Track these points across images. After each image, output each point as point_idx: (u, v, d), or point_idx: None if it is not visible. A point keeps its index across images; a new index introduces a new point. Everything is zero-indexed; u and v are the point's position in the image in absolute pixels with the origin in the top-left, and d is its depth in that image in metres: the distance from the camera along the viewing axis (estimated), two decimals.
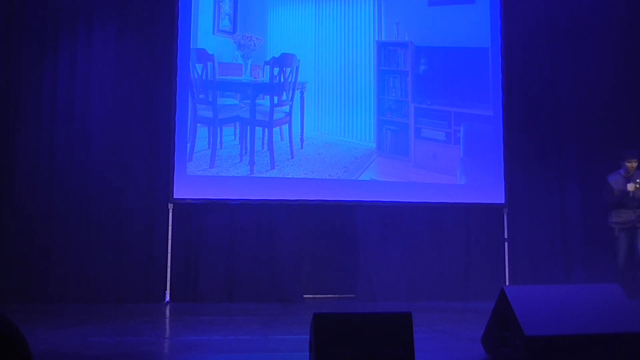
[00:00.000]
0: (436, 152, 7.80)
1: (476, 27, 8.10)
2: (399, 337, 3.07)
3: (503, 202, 7.88)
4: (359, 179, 7.60)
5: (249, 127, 7.48)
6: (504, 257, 7.87)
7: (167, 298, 7.11)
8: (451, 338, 4.68)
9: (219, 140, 7.40)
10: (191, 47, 7.44)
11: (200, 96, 7.43)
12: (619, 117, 8.15)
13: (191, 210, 7.32)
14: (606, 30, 8.36)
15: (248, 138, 7.46)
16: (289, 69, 7.62)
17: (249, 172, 7.40)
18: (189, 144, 7.31)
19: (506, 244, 7.90)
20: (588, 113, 8.17)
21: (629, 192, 6.90)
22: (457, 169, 7.82)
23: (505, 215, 7.92)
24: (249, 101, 7.52)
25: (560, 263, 7.97)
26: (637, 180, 6.88)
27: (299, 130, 7.57)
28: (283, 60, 7.62)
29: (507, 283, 7.70)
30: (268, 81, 7.58)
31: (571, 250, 8.02)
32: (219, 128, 7.42)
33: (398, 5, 7.95)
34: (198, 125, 7.38)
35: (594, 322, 3.39)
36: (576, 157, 8.09)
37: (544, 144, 8.12)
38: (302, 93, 7.63)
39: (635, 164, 7.03)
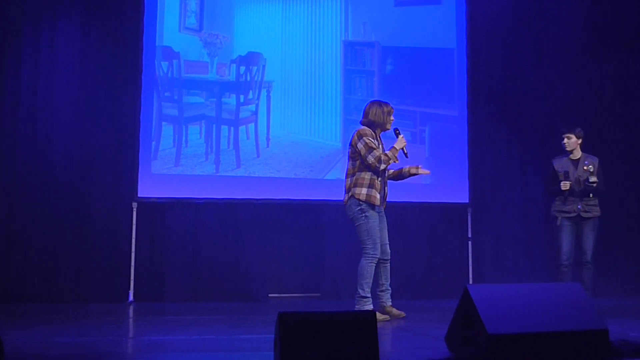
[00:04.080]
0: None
1: (442, 27, 8.17)
2: (364, 336, 3.08)
3: (467, 201, 7.96)
4: (325, 178, 7.61)
5: (214, 125, 7.45)
6: (468, 256, 7.96)
7: (131, 297, 7.06)
8: (415, 336, 4.70)
9: (184, 138, 7.35)
10: (157, 44, 7.38)
11: (166, 94, 7.38)
12: (581, 118, 8.27)
13: (156, 209, 7.27)
14: (570, 32, 8.48)
15: (214, 136, 7.43)
16: (255, 68, 7.61)
17: (214, 171, 7.37)
18: (153, 142, 7.26)
19: (470, 243, 7.98)
20: (551, 113, 8.29)
21: (564, 190, 6.38)
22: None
23: (469, 214, 8.00)
24: (214, 99, 7.49)
25: (523, 262, 8.07)
26: (568, 182, 6.38)
27: (265, 129, 7.56)
28: (249, 59, 7.60)
29: (470, 282, 7.79)
30: (234, 79, 7.55)
31: (534, 249, 8.12)
32: (184, 126, 7.37)
33: (365, 5, 7.98)
34: (163, 123, 7.33)
35: (555, 320, 3.44)
36: (539, 158, 8.18)
37: (507, 144, 8.23)
38: (268, 92, 7.62)
39: (570, 139, 6.49)
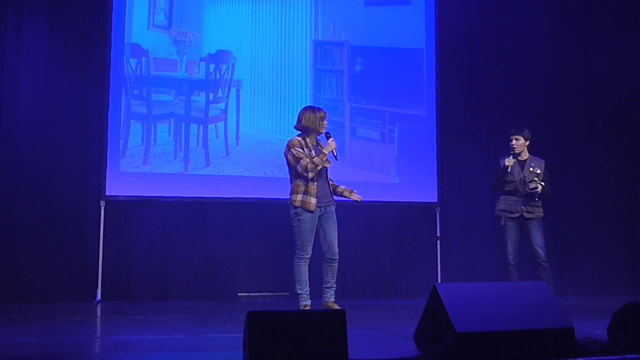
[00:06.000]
0: (371, 152, 7.88)
1: (411, 28, 8.22)
2: (333, 335, 3.09)
3: (436, 200, 8.01)
4: None
5: (183, 123, 7.41)
6: (437, 254, 8.01)
7: (98, 297, 6.99)
8: (384, 335, 4.73)
9: (152, 136, 7.30)
10: (125, 41, 7.32)
11: (134, 92, 7.32)
12: (548, 119, 8.38)
13: (124, 207, 7.21)
14: (536, 33, 8.59)
15: (183, 135, 7.39)
16: (224, 66, 7.58)
17: (183, 169, 7.33)
18: (122, 140, 7.20)
19: (438, 242, 8.04)
20: (519, 114, 8.37)
21: (507, 167, 6.27)
22: (391, 168, 7.92)
23: (437, 213, 8.06)
24: (184, 97, 7.45)
25: (491, 261, 8.14)
26: (512, 159, 6.27)
27: (235, 128, 7.54)
28: (219, 57, 7.57)
29: (439, 280, 7.84)
30: (203, 78, 7.52)
31: (501, 249, 8.18)
32: (153, 124, 7.32)
33: (335, 5, 8.00)
34: (131, 121, 7.27)
35: (522, 318, 3.48)
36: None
37: (475, 144, 8.29)
38: (237, 90, 7.60)
39: (519, 141, 6.38)
